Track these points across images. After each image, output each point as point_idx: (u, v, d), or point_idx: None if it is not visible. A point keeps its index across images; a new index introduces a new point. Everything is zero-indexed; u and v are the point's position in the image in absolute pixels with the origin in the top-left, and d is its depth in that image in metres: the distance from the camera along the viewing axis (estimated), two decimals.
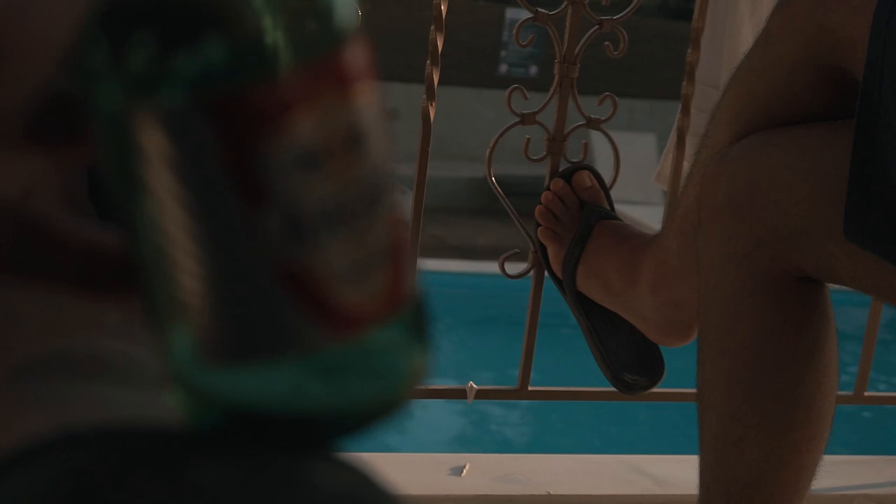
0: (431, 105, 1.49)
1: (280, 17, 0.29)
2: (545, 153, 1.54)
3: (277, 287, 0.30)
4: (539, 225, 1.51)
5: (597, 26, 1.52)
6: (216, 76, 0.29)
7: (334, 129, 0.30)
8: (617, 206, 1.53)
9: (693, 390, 1.15)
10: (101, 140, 0.30)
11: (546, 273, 1.55)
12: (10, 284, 0.31)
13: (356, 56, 0.31)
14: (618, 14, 1.52)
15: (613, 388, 1.52)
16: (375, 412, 0.32)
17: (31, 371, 0.38)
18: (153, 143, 0.29)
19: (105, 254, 0.32)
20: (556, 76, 1.53)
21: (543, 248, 1.52)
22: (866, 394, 1.80)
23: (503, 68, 9.86)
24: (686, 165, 1.56)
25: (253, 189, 0.29)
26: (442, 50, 1.48)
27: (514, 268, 1.57)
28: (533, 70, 9.58)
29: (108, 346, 0.39)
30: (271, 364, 0.30)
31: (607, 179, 1.53)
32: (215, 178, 0.29)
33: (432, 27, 1.46)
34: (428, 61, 1.47)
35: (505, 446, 4.30)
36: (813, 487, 1.13)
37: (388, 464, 1.68)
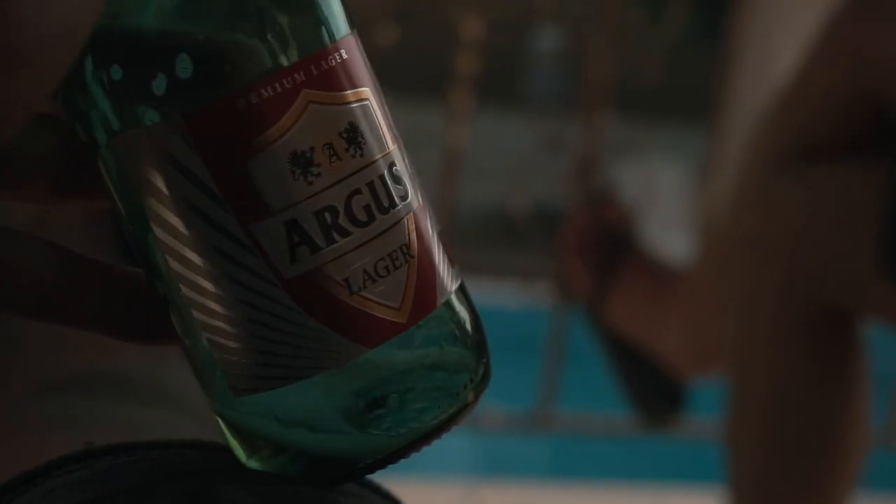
0: (458, 128, 1.50)
1: (257, 23, 0.29)
2: (573, 179, 1.54)
3: (293, 301, 0.29)
4: (565, 253, 1.51)
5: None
6: (192, 93, 0.28)
7: (325, 128, 0.29)
8: (645, 236, 1.52)
9: (720, 426, 1.15)
10: (107, 175, 0.30)
11: (571, 302, 1.54)
12: (34, 319, 0.30)
13: (346, 54, 0.30)
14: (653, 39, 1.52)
15: (636, 421, 1.52)
16: (418, 432, 0.31)
17: (55, 389, 0.38)
18: (144, 170, 0.29)
19: (133, 290, 0.31)
20: (587, 101, 1.54)
21: (570, 277, 1.52)
22: None
23: (531, 92, 9.86)
24: (719, 196, 1.55)
25: (248, 202, 0.29)
26: (469, 71, 1.48)
27: (538, 296, 1.57)
28: (562, 94, 9.59)
29: (131, 366, 0.39)
30: (302, 386, 0.30)
31: (636, 208, 1.53)
32: (208, 197, 0.29)
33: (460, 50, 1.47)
34: (455, 83, 1.48)
35: (523, 478, 4.27)
36: None
37: (403, 492, 1.67)
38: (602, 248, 1.48)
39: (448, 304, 0.31)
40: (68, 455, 0.32)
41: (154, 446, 0.33)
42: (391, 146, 0.30)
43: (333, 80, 0.29)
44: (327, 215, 0.29)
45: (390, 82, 0.31)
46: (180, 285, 0.29)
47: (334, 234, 0.29)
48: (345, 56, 0.29)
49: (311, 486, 0.31)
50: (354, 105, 0.29)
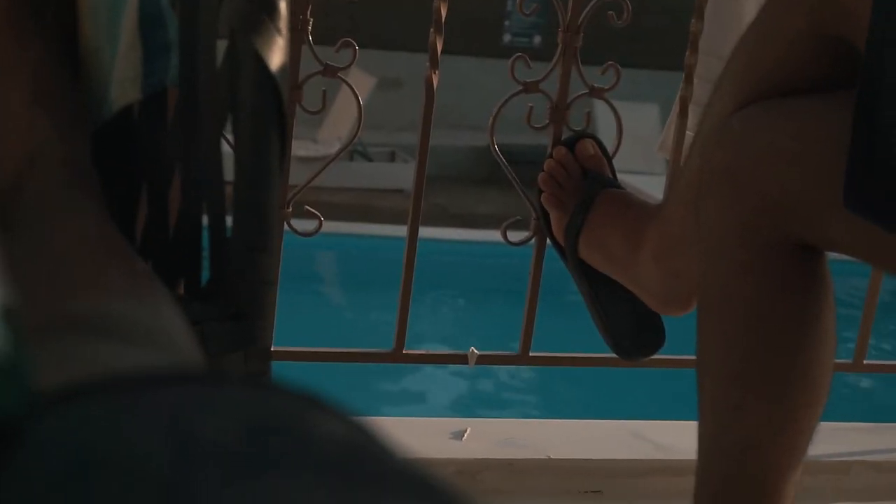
0: (435, 74, 1.49)
1: None
2: (548, 122, 1.54)
3: None
4: (541, 193, 1.51)
5: None
6: None
7: None
8: (619, 176, 1.53)
9: (693, 357, 1.15)
10: None
11: (548, 241, 1.55)
12: None
13: None
14: None
15: (614, 355, 1.53)
16: None
17: (38, 331, 0.38)
18: None
19: None
20: (560, 45, 1.53)
21: (546, 216, 1.52)
22: (865, 362, 1.81)
23: (506, 38, 9.82)
24: (689, 135, 1.55)
25: None
26: (446, 19, 1.47)
27: (516, 235, 1.57)
28: (536, 40, 9.55)
29: (113, 308, 0.39)
30: None
31: (610, 148, 1.53)
32: None
33: None
34: (431, 30, 1.47)
35: (507, 413, 4.32)
36: (811, 453, 1.13)
37: (389, 428, 1.68)
38: (576, 187, 1.48)
39: None
40: (50, 395, 0.32)
41: (137, 381, 0.33)
42: None
43: None
44: None
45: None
46: None
47: None
48: None
49: (283, 404, 0.31)
50: None
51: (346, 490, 0.28)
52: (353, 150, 8.40)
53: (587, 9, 1.51)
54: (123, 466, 0.28)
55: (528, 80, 1.51)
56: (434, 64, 1.48)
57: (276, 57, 0.88)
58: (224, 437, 0.29)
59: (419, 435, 1.69)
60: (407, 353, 1.60)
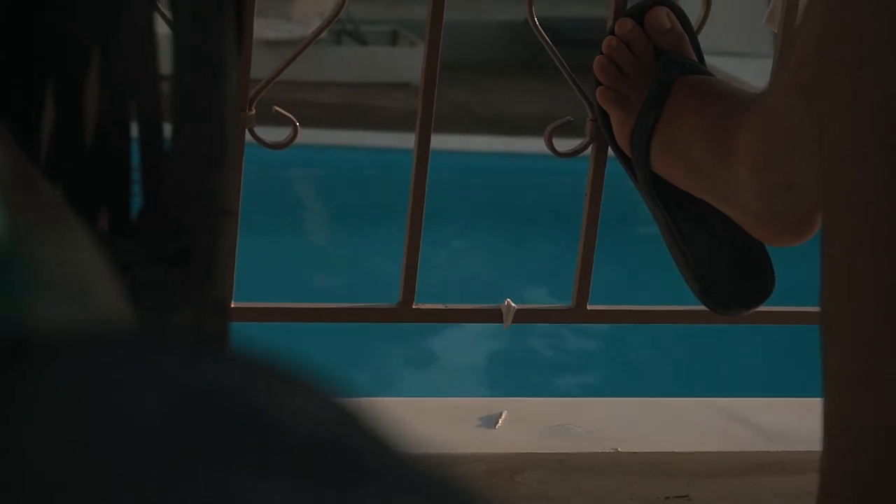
0: None
1: None
2: None
3: None
4: (599, 83, 1.51)
5: None
6: None
7: None
8: (708, 60, 1.52)
9: (815, 308, 1.15)
10: None
11: (610, 149, 1.54)
12: None
13: None
14: None
15: (702, 307, 1.53)
16: None
17: None
18: None
19: None
20: None
21: (606, 115, 1.52)
22: None
23: None
24: None
25: None
26: None
27: (565, 144, 1.57)
28: None
29: (6, 247, 0.40)
30: None
31: (694, 20, 1.52)
32: None
33: None
34: None
35: (556, 390, 4.34)
36: None
37: (400, 411, 1.70)
38: (645, 74, 1.47)
39: None
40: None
41: (32, 348, 0.33)
42: None
43: None
44: None
45: None
46: None
47: None
48: None
49: (261, 387, 0.32)
50: None
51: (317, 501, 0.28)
52: (341, 30, 8.39)
53: None
54: (9, 467, 0.28)
55: None
56: None
57: None
58: (154, 426, 0.29)
59: (436, 421, 1.70)
60: (418, 308, 1.60)
